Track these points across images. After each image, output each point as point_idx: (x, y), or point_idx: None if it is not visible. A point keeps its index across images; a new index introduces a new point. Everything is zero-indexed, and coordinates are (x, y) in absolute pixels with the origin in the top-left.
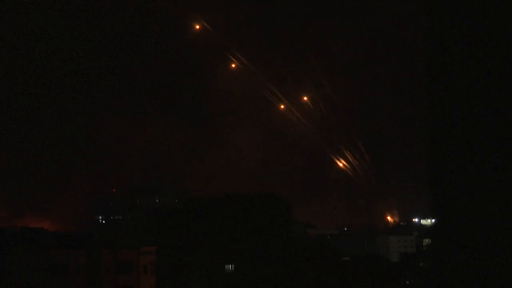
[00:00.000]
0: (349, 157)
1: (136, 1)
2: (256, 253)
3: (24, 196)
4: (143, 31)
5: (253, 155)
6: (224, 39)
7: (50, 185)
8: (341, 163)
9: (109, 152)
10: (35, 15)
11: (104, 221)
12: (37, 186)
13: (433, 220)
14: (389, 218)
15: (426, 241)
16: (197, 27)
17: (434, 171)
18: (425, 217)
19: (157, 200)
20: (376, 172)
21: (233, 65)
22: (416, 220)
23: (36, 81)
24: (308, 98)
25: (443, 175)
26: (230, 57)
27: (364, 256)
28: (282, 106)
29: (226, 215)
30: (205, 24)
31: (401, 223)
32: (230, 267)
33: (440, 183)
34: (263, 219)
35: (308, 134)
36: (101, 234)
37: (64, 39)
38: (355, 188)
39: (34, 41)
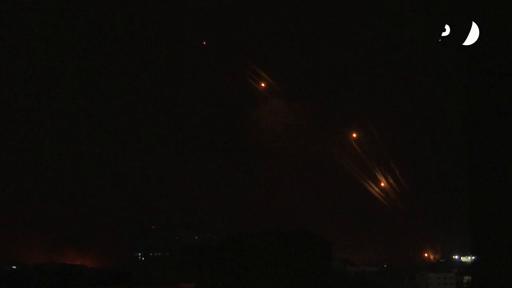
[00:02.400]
0: (388, 191)
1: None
2: None
3: (63, 231)
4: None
5: (291, 189)
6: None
7: (89, 221)
8: (380, 197)
9: (147, 188)
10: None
11: (143, 258)
12: (76, 221)
13: (473, 257)
14: (427, 255)
15: (467, 278)
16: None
17: (476, 209)
18: (465, 254)
19: (196, 237)
20: (417, 206)
21: (264, 87)
22: (456, 257)
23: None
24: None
25: (484, 212)
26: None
27: None
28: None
29: (266, 252)
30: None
31: (441, 260)
32: None
33: (481, 220)
34: (302, 256)
35: (345, 166)
36: (140, 271)
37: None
38: (394, 224)
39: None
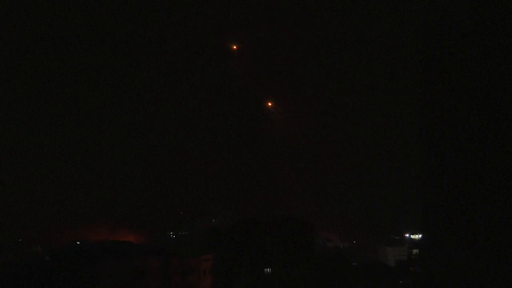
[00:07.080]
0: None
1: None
2: (287, 260)
3: (117, 216)
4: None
5: (284, 183)
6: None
7: (136, 209)
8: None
9: (179, 184)
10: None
11: (174, 236)
12: (128, 210)
13: (420, 236)
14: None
15: (415, 251)
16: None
17: (424, 197)
18: (414, 232)
19: (213, 220)
20: (379, 194)
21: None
22: (407, 235)
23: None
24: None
25: (431, 199)
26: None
27: (368, 262)
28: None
29: (264, 233)
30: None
31: (396, 237)
32: (268, 270)
33: (428, 205)
34: (294, 236)
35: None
36: (172, 246)
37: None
38: (362, 208)
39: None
